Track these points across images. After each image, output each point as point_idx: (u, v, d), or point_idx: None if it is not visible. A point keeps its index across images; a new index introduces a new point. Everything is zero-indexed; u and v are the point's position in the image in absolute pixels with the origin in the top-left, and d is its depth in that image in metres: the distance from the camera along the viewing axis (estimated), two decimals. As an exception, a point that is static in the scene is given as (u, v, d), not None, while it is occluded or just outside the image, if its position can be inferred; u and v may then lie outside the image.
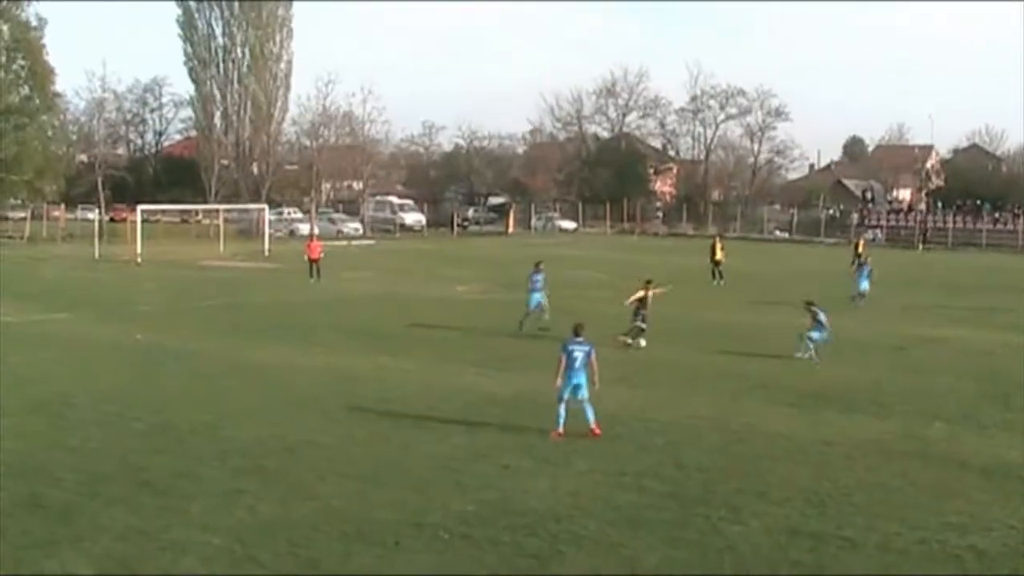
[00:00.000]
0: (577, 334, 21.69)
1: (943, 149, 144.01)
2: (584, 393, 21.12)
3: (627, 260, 71.94)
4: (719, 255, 57.33)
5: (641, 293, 33.94)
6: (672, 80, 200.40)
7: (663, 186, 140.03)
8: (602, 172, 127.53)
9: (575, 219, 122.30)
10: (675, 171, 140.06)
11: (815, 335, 31.58)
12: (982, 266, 76.96)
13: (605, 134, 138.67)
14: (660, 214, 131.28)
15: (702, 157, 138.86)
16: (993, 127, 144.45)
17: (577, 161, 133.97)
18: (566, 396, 21.15)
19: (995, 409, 24.99)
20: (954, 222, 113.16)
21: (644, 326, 33.31)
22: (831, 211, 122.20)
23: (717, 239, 61.92)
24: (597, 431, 20.90)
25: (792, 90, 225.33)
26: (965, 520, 16.40)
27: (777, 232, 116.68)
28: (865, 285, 45.20)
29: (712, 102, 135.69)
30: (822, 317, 31.79)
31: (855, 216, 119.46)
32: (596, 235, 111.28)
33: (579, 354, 21.20)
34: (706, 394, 26.04)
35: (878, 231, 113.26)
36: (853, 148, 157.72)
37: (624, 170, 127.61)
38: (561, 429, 20.96)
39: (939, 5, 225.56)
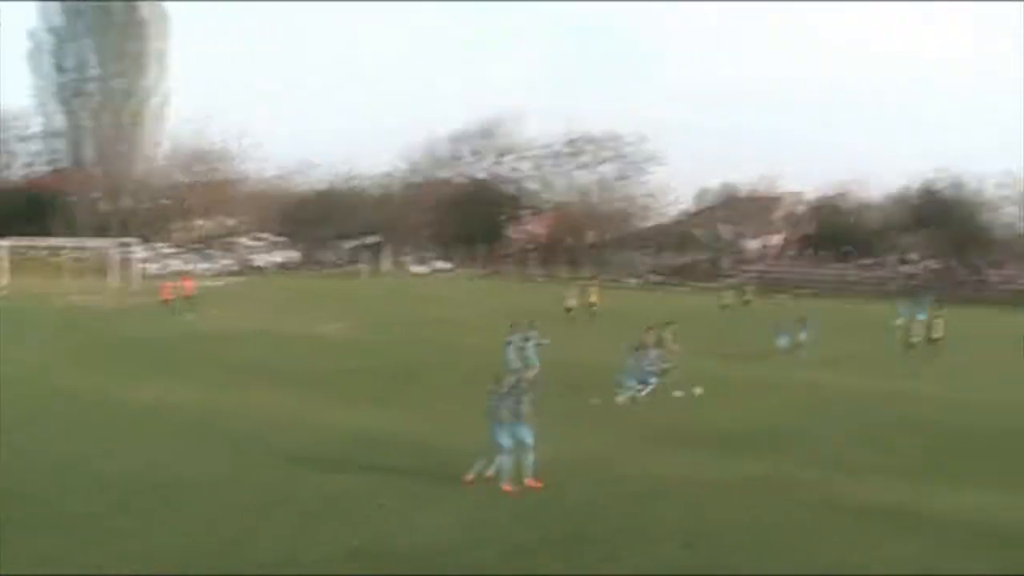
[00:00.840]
0: (499, 383, 21.33)
1: (813, 196, 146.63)
2: (523, 441, 20.49)
3: (499, 301, 72.11)
4: (593, 298, 57.86)
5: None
6: (549, 123, 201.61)
7: (537, 228, 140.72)
8: (476, 213, 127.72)
9: (448, 260, 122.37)
10: (549, 214, 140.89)
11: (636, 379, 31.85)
12: (850, 311, 78.17)
13: (481, 175, 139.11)
14: (533, 256, 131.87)
15: (577, 200, 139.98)
16: (861, 174, 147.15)
17: (451, 202, 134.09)
18: (506, 446, 20.42)
19: (866, 452, 25.44)
20: (822, 268, 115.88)
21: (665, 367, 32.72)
22: (702, 256, 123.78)
23: (588, 282, 62.35)
24: (532, 484, 20.38)
25: (667, 135, 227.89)
26: (834, 560, 16.61)
27: (650, 276, 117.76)
28: (785, 341, 44.42)
29: (588, 146, 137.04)
30: (647, 362, 32.18)
31: (725, 261, 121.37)
32: (468, 276, 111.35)
33: (507, 402, 20.70)
34: (588, 434, 26.02)
35: (748, 277, 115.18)
36: (726, 194, 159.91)
37: (498, 212, 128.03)
38: (507, 484, 20.29)
39: (806, 55, 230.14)
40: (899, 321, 55.70)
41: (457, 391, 30.50)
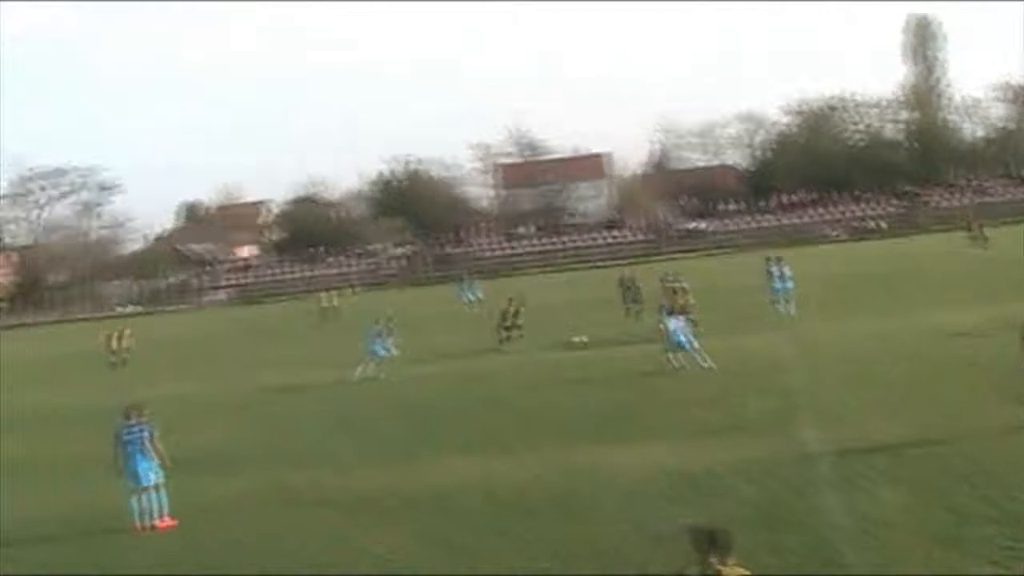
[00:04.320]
0: (128, 417, 20.06)
1: (279, 202, 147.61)
2: (153, 479, 19.53)
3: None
4: (127, 341, 52.34)
5: None
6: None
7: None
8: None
9: None
10: (9, 259, 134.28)
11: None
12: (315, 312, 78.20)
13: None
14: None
15: (36, 241, 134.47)
16: (322, 176, 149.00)
17: None
18: (131, 486, 19.55)
19: (351, 445, 25.77)
20: (296, 271, 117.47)
21: None
22: (175, 278, 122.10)
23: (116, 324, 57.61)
24: (169, 523, 19.46)
25: (122, 162, 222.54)
26: (334, 558, 16.70)
27: (118, 308, 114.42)
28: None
29: (35, 184, 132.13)
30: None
31: (197, 280, 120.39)
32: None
33: (131, 439, 19.67)
34: (54, 487, 24.24)
35: (224, 292, 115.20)
36: (190, 212, 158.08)
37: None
38: (138, 523, 19.38)
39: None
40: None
41: None
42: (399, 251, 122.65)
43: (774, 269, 42.03)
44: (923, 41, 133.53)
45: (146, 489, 19.61)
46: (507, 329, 42.87)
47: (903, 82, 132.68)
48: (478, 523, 17.91)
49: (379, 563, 16.30)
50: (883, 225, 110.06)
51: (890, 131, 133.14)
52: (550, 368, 35.29)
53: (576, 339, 40.64)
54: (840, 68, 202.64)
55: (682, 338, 31.94)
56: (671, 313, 34.58)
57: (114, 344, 51.54)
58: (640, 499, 18.23)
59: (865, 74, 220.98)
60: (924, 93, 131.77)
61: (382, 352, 37.63)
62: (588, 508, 18.07)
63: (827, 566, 14.18)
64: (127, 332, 52.57)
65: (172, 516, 19.67)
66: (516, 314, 43.13)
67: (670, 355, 31.76)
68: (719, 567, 9.58)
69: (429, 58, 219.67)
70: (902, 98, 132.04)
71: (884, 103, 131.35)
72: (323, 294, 74.52)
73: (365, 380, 36.11)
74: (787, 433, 21.80)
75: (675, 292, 40.92)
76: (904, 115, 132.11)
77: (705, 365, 31.06)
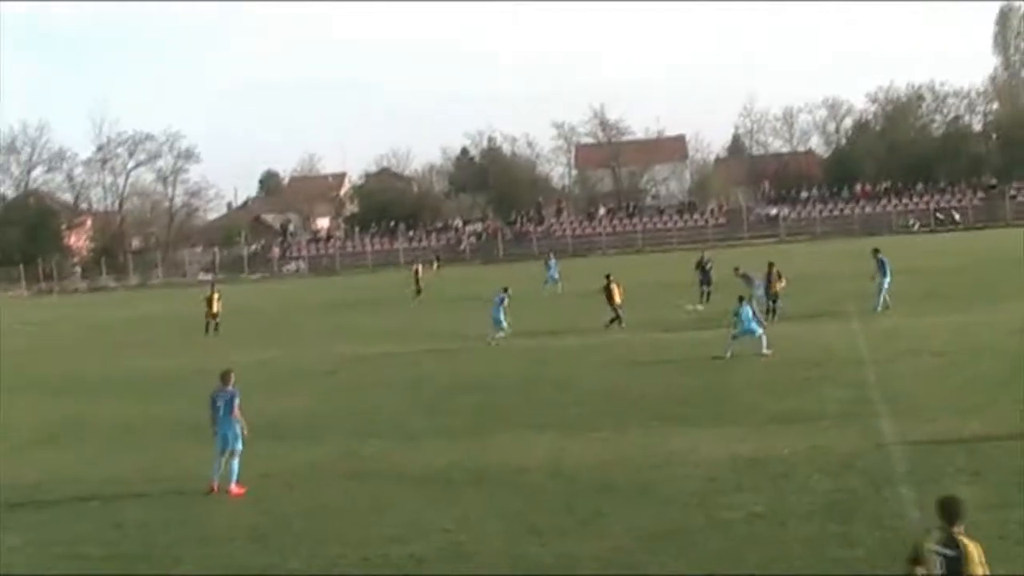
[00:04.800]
0: (225, 382, 20.43)
1: (355, 175, 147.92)
2: (237, 444, 19.96)
3: (50, 319, 69.29)
4: (215, 307, 52.00)
5: None
6: (76, 130, 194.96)
7: (78, 240, 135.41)
8: (11, 232, 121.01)
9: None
10: (89, 223, 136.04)
11: None
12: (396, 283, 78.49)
13: (10, 193, 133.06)
14: (78, 269, 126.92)
15: (116, 207, 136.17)
16: (399, 149, 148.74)
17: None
18: (219, 448, 20.04)
19: (423, 418, 25.98)
20: (372, 244, 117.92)
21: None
22: (253, 247, 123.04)
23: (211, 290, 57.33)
24: (237, 491, 19.80)
25: (202, 130, 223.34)
26: (403, 531, 16.83)
27: (201, 274, 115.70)
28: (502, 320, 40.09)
29: (120, 149, 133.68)
30: None
31: (276, 250, 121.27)
32: (13, 299, 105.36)
33: (221, 403, 20.12)
34: (136, 447, 25.03)
35: (301, 262, 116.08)
36: (269, 182, 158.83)
37: (35, 228, 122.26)
38: (215, 483, 19.89)
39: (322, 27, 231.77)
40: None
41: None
42: (476, 227, 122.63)
43: (884, 259, 40.66)
44: (1007, 31, 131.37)
45: (231, 453, 19.97)
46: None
47: (992, 73, 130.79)
48: (547, 500, 18.00)
49: (446, 537, 16.41)
50: (956, 217, 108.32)
51: (976, 122, 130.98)
52: (624, 349, 35.35)
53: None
54: (940, 58, 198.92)
55: (754, 325, 31.90)
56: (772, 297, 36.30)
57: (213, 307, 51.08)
58: (709, 484, 18.20)
59: (962, 65, 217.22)
60: (1007, 84, 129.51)
61: (503, 321, 39.04)
62: (657, 490, 18.08)
63: (898, 560, 13.99)
64: (215, 297, 52.14)
65: (240, 484, 19.92)
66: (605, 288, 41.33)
67: (732, 341, 31.82)
68: (958, 535, 10.13)
69: (513, 36, 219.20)
70: (987, 89, 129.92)
71: (974, 94, 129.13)
72: (418, 266, 71.98)
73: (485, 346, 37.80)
74: (862, 424, 21.64)
75: (779, 277, 40.42)
76: (991, 106, 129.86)
77: (767, 352, 31.07)
